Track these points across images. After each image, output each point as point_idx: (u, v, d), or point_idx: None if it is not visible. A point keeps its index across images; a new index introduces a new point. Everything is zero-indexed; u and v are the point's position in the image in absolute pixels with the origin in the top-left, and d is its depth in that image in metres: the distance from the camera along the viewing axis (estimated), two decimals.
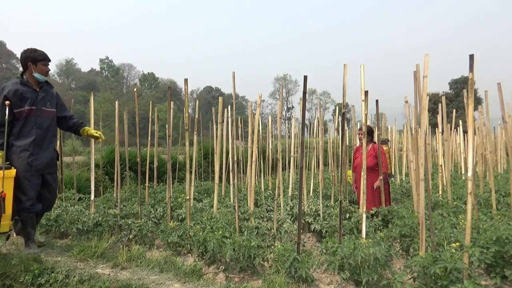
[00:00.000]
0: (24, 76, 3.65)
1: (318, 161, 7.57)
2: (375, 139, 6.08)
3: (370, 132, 5.64)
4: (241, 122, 8.42)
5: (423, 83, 3.05)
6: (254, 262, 3.35)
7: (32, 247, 3.61)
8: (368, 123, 7.01)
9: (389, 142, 5.33)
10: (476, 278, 2.67)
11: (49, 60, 3.71)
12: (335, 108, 7.61)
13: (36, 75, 3.60)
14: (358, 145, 6.10)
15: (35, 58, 3.59)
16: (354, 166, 6.00)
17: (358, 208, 4.99)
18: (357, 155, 5.98)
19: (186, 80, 4.00)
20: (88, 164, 6.22)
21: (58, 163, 3.97)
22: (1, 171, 3.26)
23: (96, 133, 3.98)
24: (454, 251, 2.70)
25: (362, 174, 3.76)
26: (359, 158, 5.77)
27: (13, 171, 3.36)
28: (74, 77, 75.19)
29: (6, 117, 3.37)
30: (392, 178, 6.81)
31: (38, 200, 3.63)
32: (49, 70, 3.75)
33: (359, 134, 5.89)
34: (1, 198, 3.30)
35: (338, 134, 7.37)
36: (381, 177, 5.18)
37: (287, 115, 60.81)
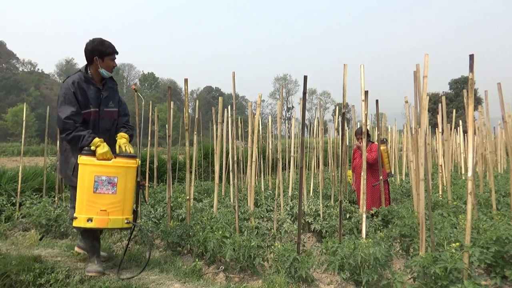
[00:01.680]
0: (88, 71, 3.22)
1: (318, 161, 7.56)
2: (371, 138, 6.08)
3: (366, 132, 5.74)
4: (241, 122, 8.41)
5: (423, 83, 3.05)
6: (254, 262, 3.35)
7: (96, 263, 3.18)
8: (368, 123, 7.01)
9: (386, 142, 5.31)
10: (476, 278, 2.67)
11: (117, 53, 3.27)
12: (335, 108, 7.61)
13: (102, 71, 3.20)
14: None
15: (103, 52, 3.16)
16: (353, 167, 6.00)
17: (358, 208, 4.99)
18: (355, 155, 5.99)
19: (186, 80, 4.00)
20: None
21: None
22: (137, 159, 3.14)
23: (124, 145, 3.26)
24: (454, 251, 2.70)
25: (362, 174, 3.76)
26: (358, 159, 5.78)
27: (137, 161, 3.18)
28: None
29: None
30: (392, 178, 6.77)
31: None
32: (116, 65, 3.32)
33: (358, 139, 5.87)
34: (142, 187, 3.20)
35: (338, 134, 7.37)
36: (381, 177, 5.18)
37: (287, 115, 60.81)
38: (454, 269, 2.61)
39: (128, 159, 3.08)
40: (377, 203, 5.34)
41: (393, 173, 6.62)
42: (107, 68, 3.22)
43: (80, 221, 2.92)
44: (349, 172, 7.00)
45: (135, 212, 3.19)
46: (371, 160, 5.42)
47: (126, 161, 3.05)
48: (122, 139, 3.33)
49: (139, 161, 3.19)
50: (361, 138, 5.63)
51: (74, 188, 3.14)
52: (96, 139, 3.02)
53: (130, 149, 3.26)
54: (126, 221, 3.01)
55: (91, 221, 2.91)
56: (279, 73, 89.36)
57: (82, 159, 2.98)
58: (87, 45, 3.19)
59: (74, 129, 3.01)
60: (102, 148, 3.00)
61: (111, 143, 3.25)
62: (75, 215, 2.96)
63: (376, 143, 5.67)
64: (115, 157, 3.07)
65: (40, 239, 3.79)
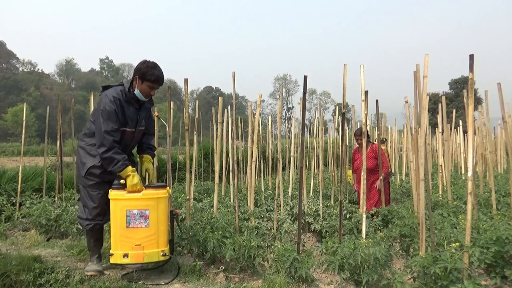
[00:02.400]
0: (130, 89, 3.12)
1: (318, 161, 7.56)
2: (371, 139, 6.01)
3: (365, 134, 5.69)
4: (241, 122, 8.41)
5: (423, 83, 3.05)
6: (254, 262, 3.35)
7: (95, 263, 3.18)
8: (368, 123, 7.01)
9: (386, 141, 5.11)
10: (476, 278, 2.67)
11: (160, 85, 3.15)
12: (335, 108, 7.61)
13: (137, 91, 3.10)
14: (356, 146, 6.02)
15: (144, 75, 3.05)
16: (354, 168, 5.92)
17: (358, 208, 4.98)
18: (356, 157, 5.88)
19: (186, 80, 4.00)
20: None
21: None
22: (168, 188, 3.06)
23: (150, 172, 3.36)
24: (454, 251, 2.70)
25: (362, 174, 3.76)
26: (359, 161, 5.65)
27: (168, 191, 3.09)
28: (74, 77, 75.30)
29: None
30: (392, 177, 6.56)
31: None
32: (153, 94, 3.20)
33: (357, 140, 5.67)
34: (176, 216, 3.11)
35: (338, 134, 7.37)
36: (381, 177, 5.17)
37: (287, 115, 60.80)
38: (454, 269, 2.60)
39: (158, 189, 2.99)
40: (378, 204, 5.33)
41: (392, 171, 6.46)
42: (142, 91, 3.11)
43: (117, 258, 2.90)
44: (349, 172, 6.99)
45: (171, 242, 3.15)
46: (369, 166, 5.35)
47: (156, 192, 2.96)
48: (150, 164, 3.38)
49: (170, 190, 3.12)
50: (361, 139, 5.55)
51: (84, 188, 3.17)
52: (129, 168, 2.96)
53: (154, 179, 3.34)
54: (162, 254, 2.96)
55: (127, 256, 2.88)
56: (279, 73, 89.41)
57: (112, 194, 2.94)
58: (139, 63, 3.12)
59: (111, 148, 2.94)
60: (132, 179, 2.93)
61: (129, 151, 3.30)
62: (111, 251, 2.95)
63: (375, 143, 5.64)
64: (145, 188, 3.01)
65: (48, 240, 3.72)
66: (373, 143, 5.77)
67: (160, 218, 2.95)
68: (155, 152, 3.56)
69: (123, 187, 2.96)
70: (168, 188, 3.10)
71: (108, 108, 2.97)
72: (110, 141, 2.95)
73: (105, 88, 3.19)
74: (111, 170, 2.96)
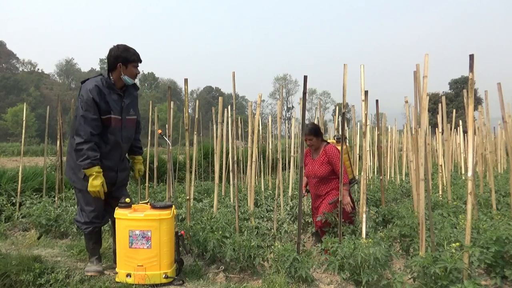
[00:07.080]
0: (110, 77, 3.12)
1: None
2: (326, 138, 5.00)
3: (317, 132, 4.21)
4: (241, 122, 8.42)
5: (423, 83, 3.05)
6: (254, 262, 3.35)
7: (95, 264, 3.19)
8: (368, 123, 6.99)
9: (346, 140, 3.83)
10: (476, 278, 2.67)
11: (141, 61, 3.20)
12: (335, 108, 7.61)
13: (125, 77, 3.11)
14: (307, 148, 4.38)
15: (127, 58, 3.07)
16: (305, 175, 4.34)
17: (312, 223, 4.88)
18: (306, 161, 4.35)
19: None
20: None
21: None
22: (172, 208, 3.03)
23: (141, 172, 3.52)
24: (454, 251, 2.70)
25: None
26: (310, 165, 4.26)
27: (173, 211, 3.04)
28: (74, 77, 75.32)
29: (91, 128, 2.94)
30: (356, 184, 5.09)
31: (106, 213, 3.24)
32: (139, 72, 3.23)
33: (306, 141, 4.17)
34: (181, 237, 3.09)
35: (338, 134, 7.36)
36: (341, 187, 3.75)
37: (287, 115, 60.79)
38: (454, 269, 2.60)
39: (161, 210, 2.95)
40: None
41: (357, 178, 4.84)
42: (130, 75, 3.13)
43: (121, 277, 2.94)
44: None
45: (180, 262, 3.13)
46: (321, 173, 4.14)
47: (159, 213, 2.92)
48: (141, 165, 3.54)
49: (175, 210, 3.09)
50: (310, 140, 4.18)
51: (80, 191, 3.13)
52: (94, 168, 2.92)
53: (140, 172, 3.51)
54: (164, 276, 2.92)
55: (130, 276, 2.90)
56: (279, 73, 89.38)
57: (117, 213, 2.96)
58: (111, 50, 3.11)
59: (87, 142, 2.91)
60: (93, 180, 2.91)
61: (127, 147, 3.32)
62: (116, 269, 3.00)
63: (331, 142, 4.49)
64: (150, 207, 3.00)
65: (39, 238, 3.77)
66: (328, 143, 4.33)
67: (163, 239, 2.92)
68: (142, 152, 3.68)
69: (129, 206, 2.98)
70: (173, 208, 3.07)
71: (86, 97, 2.94)
72: (88, 132, 2.91)
73: (84, 82, 3.16)
74: (78, 163, 2.95)
